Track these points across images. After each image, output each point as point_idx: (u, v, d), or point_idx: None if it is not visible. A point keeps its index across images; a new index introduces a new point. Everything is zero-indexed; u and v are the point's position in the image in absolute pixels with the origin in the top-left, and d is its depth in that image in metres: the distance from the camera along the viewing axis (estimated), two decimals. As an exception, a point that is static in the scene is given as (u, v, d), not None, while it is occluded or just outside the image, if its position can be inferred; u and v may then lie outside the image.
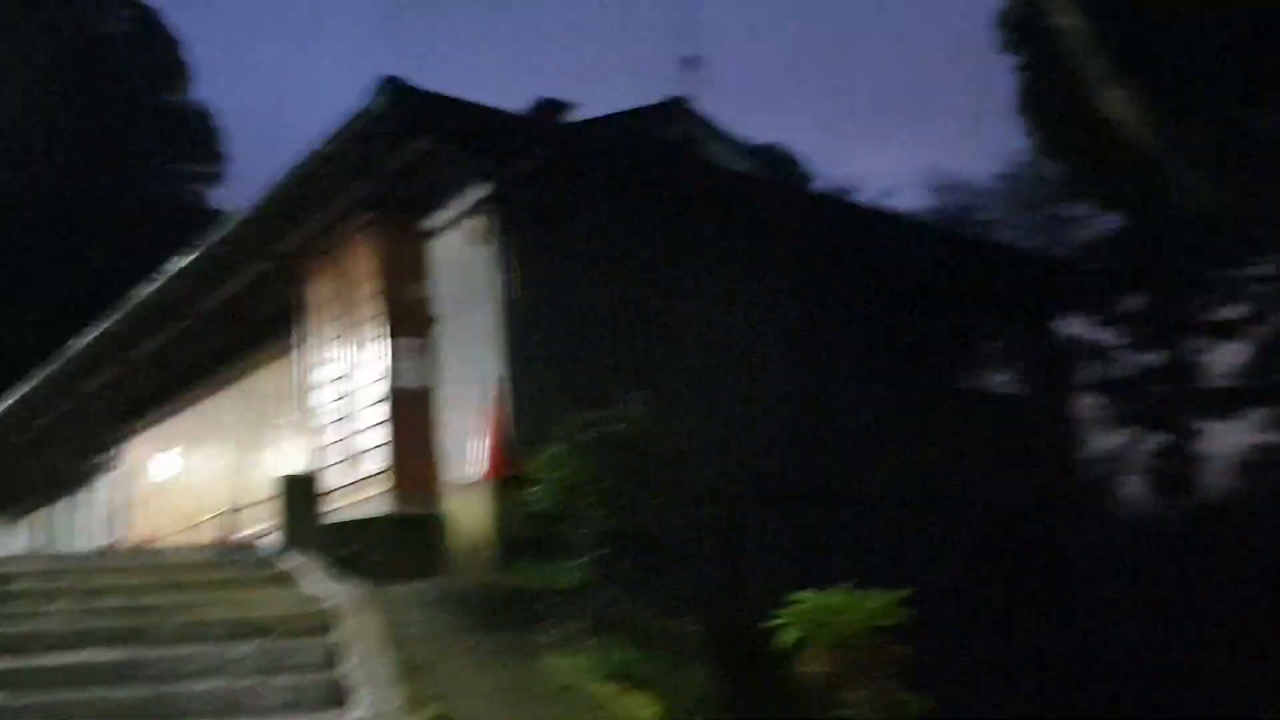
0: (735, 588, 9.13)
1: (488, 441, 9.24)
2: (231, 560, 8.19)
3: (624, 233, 11.04)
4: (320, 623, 6.72)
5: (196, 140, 32.36)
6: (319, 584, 7.63)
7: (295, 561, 8.00)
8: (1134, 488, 21.45)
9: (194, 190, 32.27)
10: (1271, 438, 19.91)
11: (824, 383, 12.07)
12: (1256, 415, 20.00)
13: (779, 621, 6.32)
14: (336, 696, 5.90)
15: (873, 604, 6.19)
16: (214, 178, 32.51)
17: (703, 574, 8.10)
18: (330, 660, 6.26)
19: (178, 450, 15.39)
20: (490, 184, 10.27)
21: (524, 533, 8.44)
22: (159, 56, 31.11)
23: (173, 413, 15.56)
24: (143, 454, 16.28)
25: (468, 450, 10.07)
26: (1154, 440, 21.20)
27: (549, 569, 7.57)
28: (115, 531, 16.85)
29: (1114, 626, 13.70)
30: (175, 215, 28.51)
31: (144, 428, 16.24)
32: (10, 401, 17.06)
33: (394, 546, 8.80)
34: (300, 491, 8.33)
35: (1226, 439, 20.40)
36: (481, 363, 10.10)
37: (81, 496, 18.47)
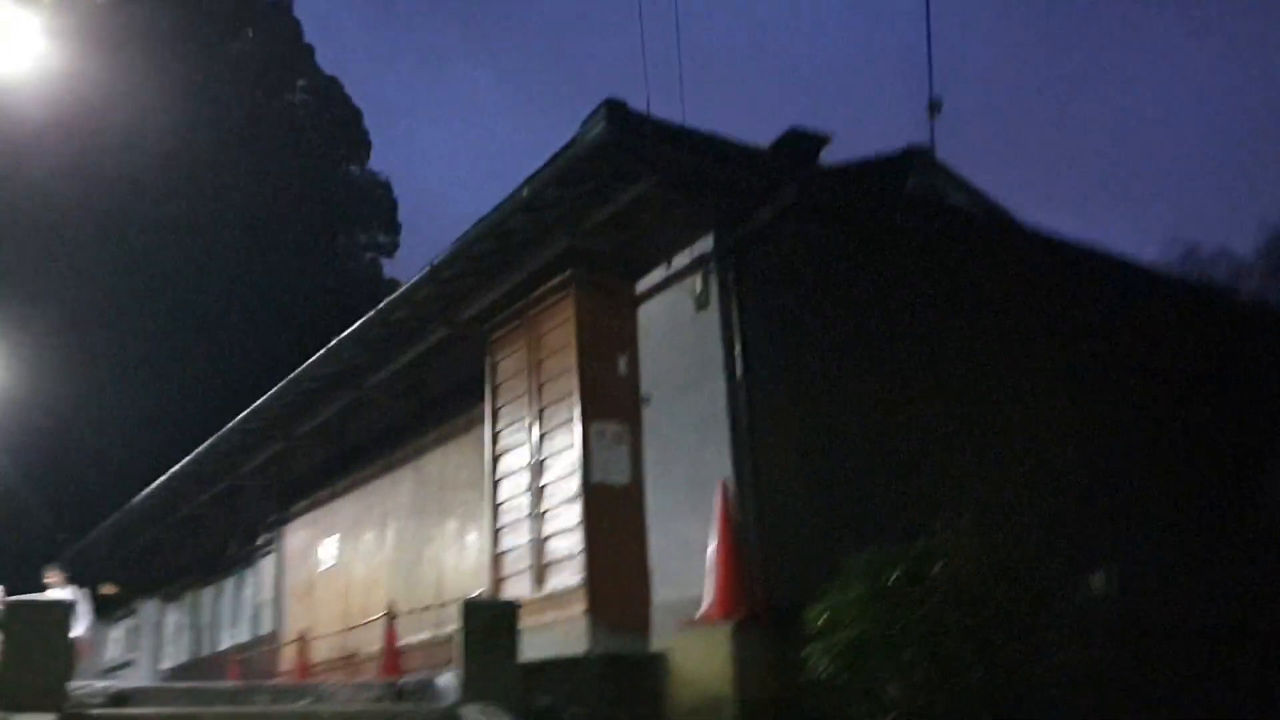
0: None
1: (716, 564, 7.21)
2: (404, 713, 6.35)
3: (875, 297, 8.97)
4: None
5: (376, 211, 31.86)
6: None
7: (479, 717, 6.11)
8: None
9: (372, 260, 31.77)
10: None
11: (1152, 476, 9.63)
12: None
13: None
14: None
15: None
16: (392, 248, 32.01)
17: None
18: None
19: (339, 538, 13.83)
20: (715, 236, 8.38)
21: (776, 696, 6.36)
22: (340, 126, 30.78)
23: (339, 496, 14.04)
24: (303, 540, 14.82)
25: (687, 570, 8.07)
26: None
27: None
28: (266, 623, 15.38)
29: None
30: (357, 286, 27.92)
31: (306, 511, 14.79)
32: (170, 476, 15.93)
33: (602, 697, 6.82)
34: (488, 624, 6.45)
35: None
36: (702, 457, 8.13)
37: (235, 582, 17.16)
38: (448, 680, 6.69)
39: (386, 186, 31.90)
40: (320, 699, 6.59)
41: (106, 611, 20.65)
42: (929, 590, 5.15)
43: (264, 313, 25.83)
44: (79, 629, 13.06)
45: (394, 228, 31.77)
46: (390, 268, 30.99)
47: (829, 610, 5.40)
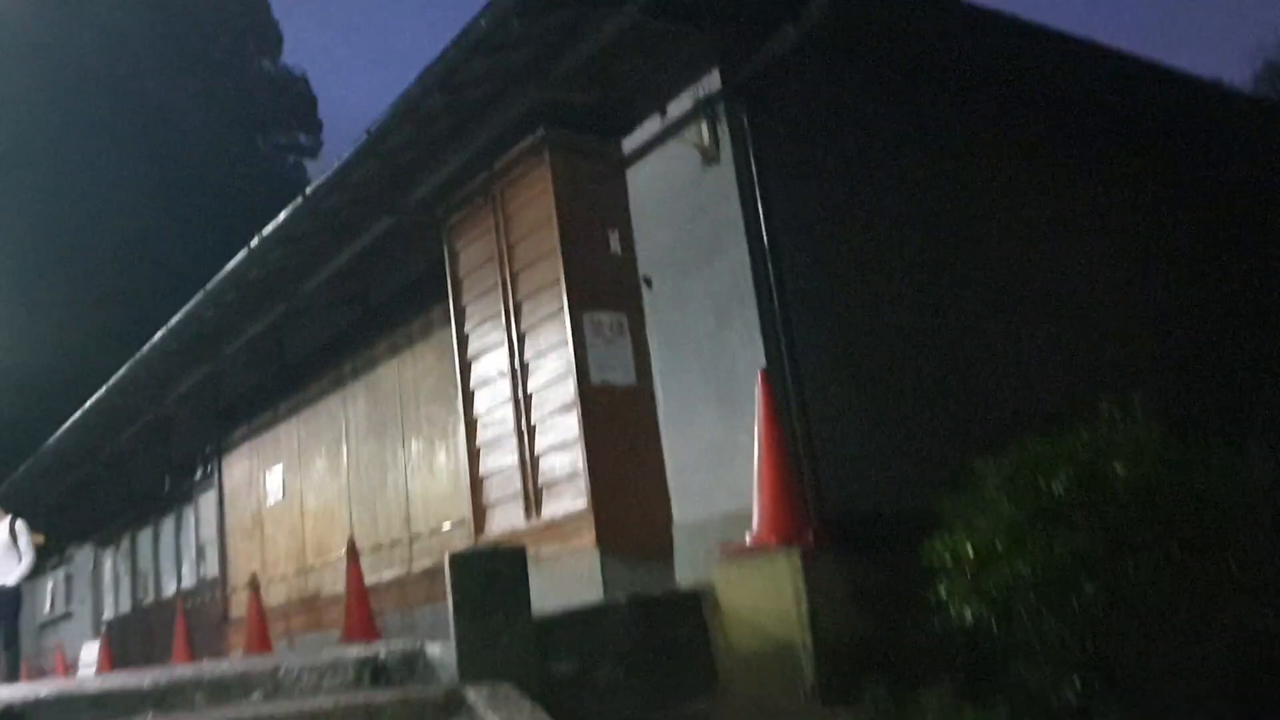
0: None
1: (763, 475, 5.76)
2: (389, 708, 4.85)
3: (908, 143, 7.46)
4: None
5: (294, 109, 29.50)
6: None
7: (487, 703, 4.66)
8: None
9: (295, 163, 29.52)
10: None
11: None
12: None
13: None
14: None
15: None
16: (315, 149, 29.73)
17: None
18: None
19: (285, 467, 12.24)
20: (721, 73, 6.77)
21: (862, 638, 4.99)
22: (246, 14, 28.21)
23: (282, 420, 12.40)
24: (245, 472, 13.19)
25: (715, 481, 6.63)
26: None
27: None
28: (212, 566, 13.83)
29: None
30: (280, 192, 25.74)
31: (246, 439, 13.14)
32: (86, 412, 14.15)
33: (636, 652, 5.39)
34: (486, 580, 4.93)
35: None
36: (725, 344, 6.64)
37: (174, 522, 15.51)
38: (441, 652, 5.21)
39: (303, 81, 29.51)
40: (276, 691, 5.12)
41: (39, 560, 18.94)
42: (1111, 502, 3.72)
43: (178, 227, 23.64)
44: (17, 572, 11.49)
45: (315, 126, 29.48)
46: (315, 170, 28.78)
47: (971, 537, 3.95)
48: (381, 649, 5.59)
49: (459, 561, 5.02)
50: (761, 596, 5.45)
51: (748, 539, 5.79)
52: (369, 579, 9.74)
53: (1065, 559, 3.67)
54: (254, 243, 8.95)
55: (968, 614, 3.90)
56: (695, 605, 5.78)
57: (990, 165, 7.72)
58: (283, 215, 8.55)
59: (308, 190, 8.20)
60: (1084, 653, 3.76)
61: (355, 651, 5.69)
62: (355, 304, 10.40)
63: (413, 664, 5.46)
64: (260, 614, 10.90)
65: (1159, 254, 8.46)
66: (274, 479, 12.45)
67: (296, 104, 28.84)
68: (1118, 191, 8.43)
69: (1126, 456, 3.75)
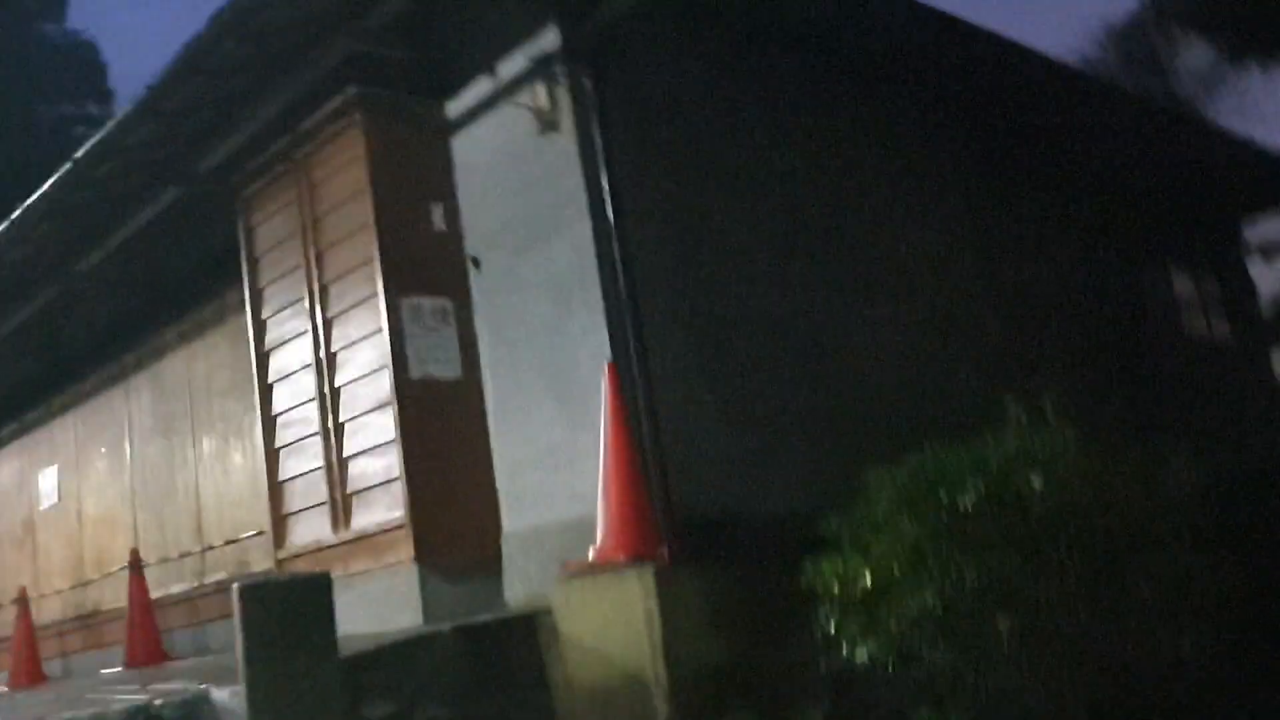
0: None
1: (611, 481, 5.09)
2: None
3: (764, 116, 6.91)
4: None
5: (81, 77, 27.20)
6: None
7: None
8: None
9: (83, 135, 27.27)
10: None
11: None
12: None
13: None
14: None
15: None
16: (105, 120, 27.53)
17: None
18: None
19: (60, 468, 10.90)
20: (560, 29, 6.05)
21: (723, 669, 4.37)
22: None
23: (56, 415, 11.03)
24: (13, 473, 11.72)
25: (550, 485, 5.93)
26: None
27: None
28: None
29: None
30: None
31: (15, 437, 11.68)
32: None
33: (465, 694, 4.62)
34: (284, 614, 4.06)
35: None
36: (564, 332, 5.94)
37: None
38: (229, 699, 4.34)
39: (91, 47, 27.23)
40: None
41: None
42: (1025, 520, 3.18)
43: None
44: None
45: (105, 96, 27.16)
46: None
47: (865, 560, 3.34)
48: (157, 697, 4.67)
49: (250, 594, 4.14)
50: (608, 621, 4.78)
51: (591, 554, 5.11)
52: (156, 593, 8.68)
53: (975, 587, 3.12)
54: (15, 214, 7.72)
55: (863, 653, 3.30)
56: (530, 632, 5.07)
57: (847, 139, 7.25)
58: (48, 184, 7.37)
59: (77, 154, 7.07)
60: (992, 693, 3.22)
61: (124, 700, 4.75)
62: (139, 287, 9.23)
63: (195, 714, 4.56)
64: (30, 634, 9.60)
65: (1031, 236, 8.18)
66: (48, 481, 11.09)
67: (83, 71, 26.55)
68: (982, 166, 8.11)
69: (1042, 466, 3.24)
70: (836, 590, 3.45)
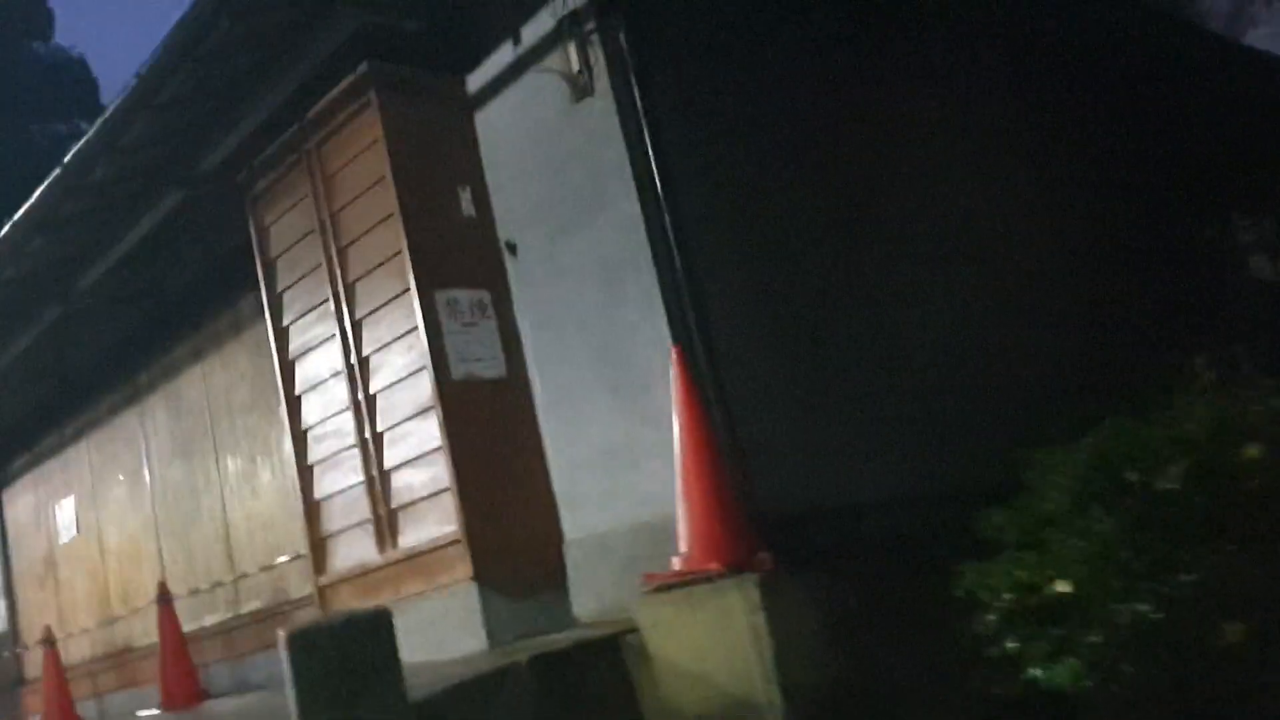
0: None
1: (690, 480, 4.51)
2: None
3: (824, 64, 6.31)
4: None
5: (73, 94, 26.65)
6: None
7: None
8: None
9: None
10: None
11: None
12: None
13: None
14: None
15: None
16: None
17: None
18: None
19: (78, 499, 10.35)
20: (591, -15, 5.44)
21: (843, 686, 3.80)
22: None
23: (69, 443, 10.49)
24: (30, 507, 11.18)
25: (613, 485, 5.36)
26: None
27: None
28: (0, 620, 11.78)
29: None
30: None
31: (29, 468, 11.15)
32: None
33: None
34: (340, 662, 3.50)
35: None
36: (616, 317, 5.35)
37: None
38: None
39: (81, 64, 26.65)
40: None
41: None
42: (1248, 500, 2.59)
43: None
44: None
45: (97, 112, 26.47)
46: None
47: (1046, 563, 2.75)
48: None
49: (300, 642, 3.56)
50: (706, 640, 4.20)
51: (675, 563, 4.53)
52: (188, 626, 8.16)
53: (1193, 586, 2.54)
54: (4, 230, 7.15)
55: (1061, 673, 2.72)
56: (615, 655, 4.49)
57: (903, 88, 6.62)
58: (38, 193, 6.80)
59: (66, 159, 6.49)
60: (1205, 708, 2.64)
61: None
62: (147, 302, 8.66)
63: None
64: (60, 675, 9.06)
65: (1108, 183, 7.55)
66: (65, 513, 10.55)
67: (75, 88, 25.98)
68: (1049, 114, 7.49)
69: (1263, 436, 2.65)
70: (1008, 598, 2.87)
